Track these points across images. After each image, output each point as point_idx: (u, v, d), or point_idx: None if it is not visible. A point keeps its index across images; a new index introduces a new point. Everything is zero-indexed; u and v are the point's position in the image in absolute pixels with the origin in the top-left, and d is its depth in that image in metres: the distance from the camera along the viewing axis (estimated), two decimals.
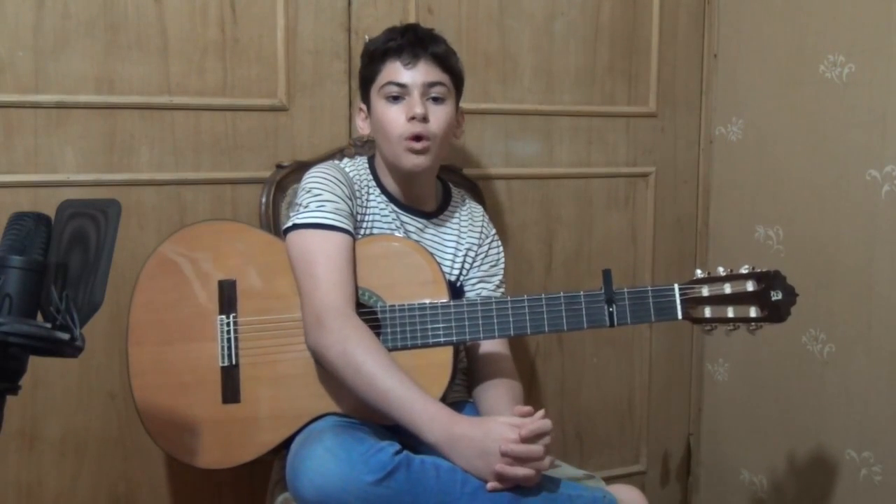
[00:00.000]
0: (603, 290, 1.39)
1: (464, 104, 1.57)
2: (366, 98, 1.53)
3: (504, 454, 1.20)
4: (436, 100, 1.47)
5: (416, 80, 1.45)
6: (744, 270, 1.40)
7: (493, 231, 1.64)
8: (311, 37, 1.76)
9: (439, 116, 1.47)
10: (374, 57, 1.49)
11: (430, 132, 1.45)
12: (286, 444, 1.34)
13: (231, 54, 1.71)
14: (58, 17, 1.59)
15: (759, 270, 1.40)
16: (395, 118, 1.45)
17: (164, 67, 1.66)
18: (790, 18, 1.92)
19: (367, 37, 1.76)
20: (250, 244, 1.45)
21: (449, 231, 1.57)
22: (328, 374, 1.35)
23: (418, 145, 1.44)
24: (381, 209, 1.51)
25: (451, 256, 1.55)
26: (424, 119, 1.44)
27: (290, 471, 1.21)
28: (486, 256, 1.59)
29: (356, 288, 1.39)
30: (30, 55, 1.58)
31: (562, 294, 1.39)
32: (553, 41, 1.98)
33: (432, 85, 1.47)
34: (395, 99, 1.46)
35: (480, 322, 1.39)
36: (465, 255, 1.57)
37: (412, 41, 1.47)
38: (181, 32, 1.67)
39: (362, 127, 1.56)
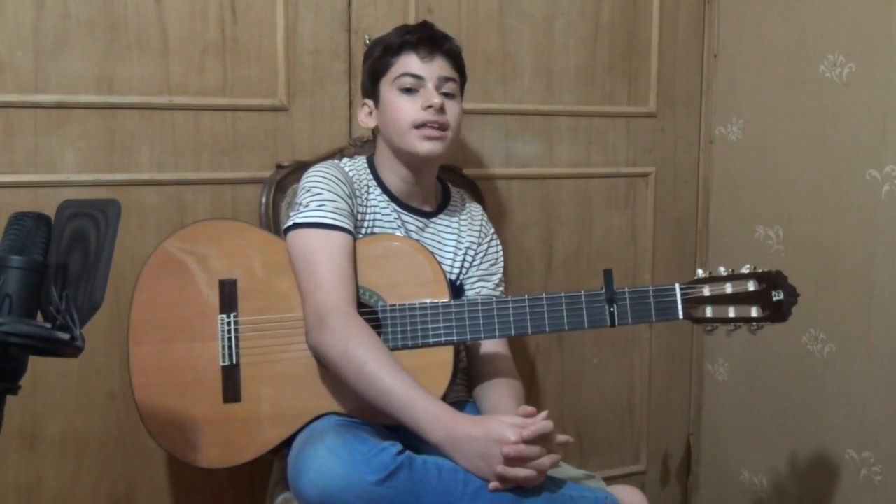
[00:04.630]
0: (604, 290, 1.39)
1: (464, 104, 1.57)
2: (372, 93, 1.53)
3: (505, 455, 1.20)
4: (447, 95, 1.47)
5: (431, 73, 1.46)
6: (745, 270, 1.40)
7: (493, 230, 1.64)
8: (311, 37, 1.76)
9: (453, 109, 1.48)
10: (389, 50, 1.49)
11: (447, 122, 1.46)
12: (287, 444, 1.34)
13: (231, 54, 1.70)
14: (58, 17, 1.59)
15: (760, 270, 1.40)
16: (409, 107, 1.46)
17: (164, 67, 1.66)
18: (790, 18, 1.92)
19: (367, 37, 1.77)
20: (251, 243, 1.45)
21: (449, 230, 1.57)
22: (329, 374, 1.35)
23: (437, 133, 1.45)
24: (382, 208, 1.51)
25: (451, 255, 1.55)
26: (441, 109, 1.45)
27: (293, 470, 1.21)
28: (485, 255, 1.59)
29: (357, 287, 1.39)
30: (30, 55, 1.58)
31: (563, 294, 1.39)
32: (553, 41, 1.98)
33: (446, 80, 1.47)
34: (409, 91, 1.46)
35: (481, 322, 1.39)
36: (465, 254, 1.57)
37: (429, 37, 1.49)
38: (181, 32, 1.66)
39: (366, 122, 1.56)
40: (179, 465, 1.43)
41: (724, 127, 2.13)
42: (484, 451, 1.21)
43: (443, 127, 1.45)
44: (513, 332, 1.40)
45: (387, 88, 1.49)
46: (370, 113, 1.54)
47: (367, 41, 1.77)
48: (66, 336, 0.93)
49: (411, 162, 1.50)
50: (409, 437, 1.28)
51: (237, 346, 1.40)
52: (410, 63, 1.47)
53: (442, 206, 1.59)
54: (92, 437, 1.68)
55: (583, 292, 1.39)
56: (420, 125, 1.45)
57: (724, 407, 2.18)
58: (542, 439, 1.23)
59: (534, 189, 2.01)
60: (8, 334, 0.90)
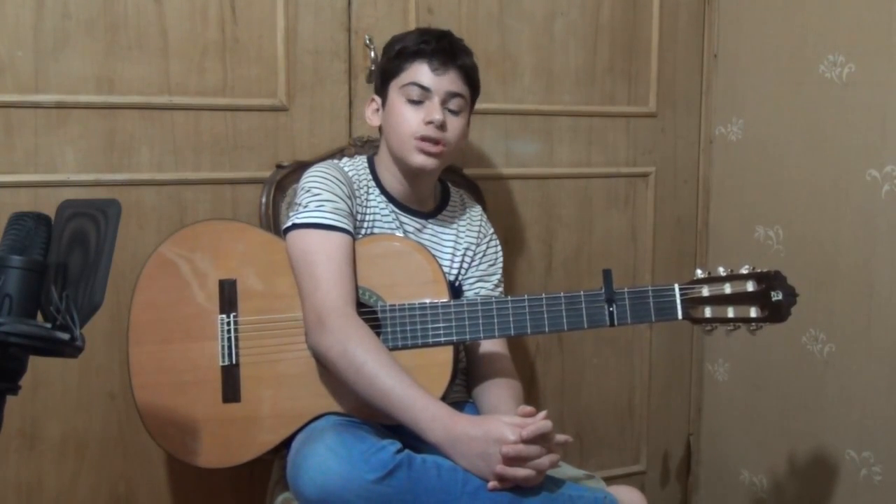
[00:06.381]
0: (603, 290, 1.39)
1: None
2: (382, 91, 1.53)
3: (504, 455, 1.20)
4: (452, 112, 1.47)
5: (440, 87, 1.45)
6: (744, 270, 1.40)
7: (492, 230, 1.64)
8: (311, 37, 1.76)
9: (455, 126, 1.47)
10: (403, 54, 1.48)
11: (445, 139, 1.46)
12: (286, 444, 1.34)
13: (231, 54, 1.71)
14: (58, 17, 1.59)
15: (759, 270, 1.40)
16: (412, 118, 1.45)
17: (164, 67, 1.66)
18: (790, 18, 1.92)
19: (367, 37, 1.77)
20: (251, 244, 1.45)
21: (447, 231, 1.57)
22: (329, 374, 1.35)
23: (434, 148, 1.45)
24: (381, 209, 1.51)
25: (449, 256, 1.55)
26: (442, 126, 1.44)
27: (292, 469, 1.22)
28: (483, 256, 1.59)
29: (356, 287, 1.39)
30: (30, 55, 1.58)
31: (562, 294, 1.39)
32: (553, 41, 1.98)
33: (454, 95, 1.47)
34: (415, 103, 1.46)
35: (481, 322, 1.39)
36: (464, 255, 1.57)
37: (445, 48, 1.47)
38: (181, 32, 1.67)
39: (371, 119, 1.55)
40: (179, 465, 1.43)
41: (724, 127, 2.13)
42: (483, 450, 1.21)
43: (443, 143, 1.45)
44: (512, 332, 1.40)
45: (394, 93, 1.48)
46: (377, 110, 1.54)
47: (368, 41, 1.77)
48: (66, 336, 0.93)
49: (408, 170, 1.50)
50: (408, 437, 1.28)
51: (237, 346, 1.40)
52: (421, 73, 1.46)
53: (440, 207, 1.59)
54: (92, 437, 1.68)
55: (582, 292, 1.39)
56: (419, 138, 1.44)
57: (724, 407, 2.18)
58: (541, 439, 1.23)
59: (534, 189, 2.01)
60: (8, 334, 0.90)
